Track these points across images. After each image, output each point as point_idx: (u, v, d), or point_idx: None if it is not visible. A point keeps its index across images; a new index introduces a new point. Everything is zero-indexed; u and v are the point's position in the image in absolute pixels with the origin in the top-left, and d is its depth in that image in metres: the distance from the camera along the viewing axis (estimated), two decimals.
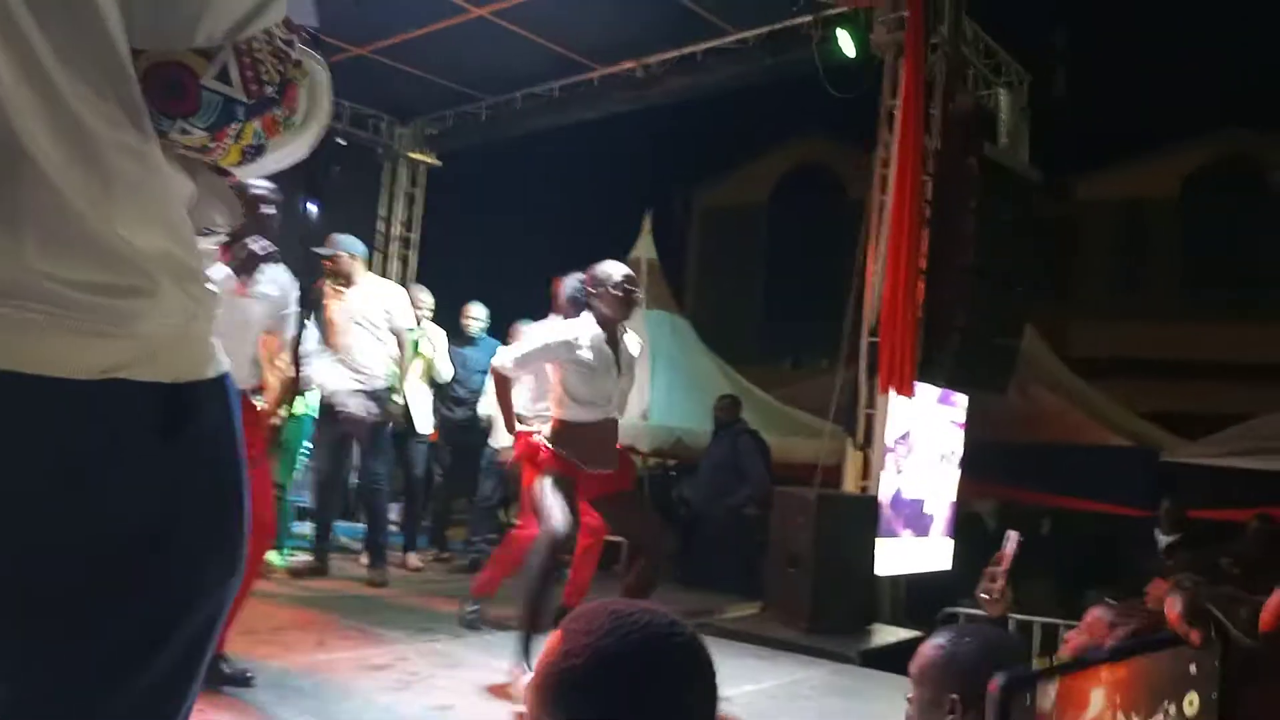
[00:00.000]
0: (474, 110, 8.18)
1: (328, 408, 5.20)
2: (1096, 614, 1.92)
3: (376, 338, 5.23)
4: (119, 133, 0.78)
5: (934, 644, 1.54)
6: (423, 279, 8.06)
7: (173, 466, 0.83)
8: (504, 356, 3.85)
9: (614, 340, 3.72)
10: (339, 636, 4.14)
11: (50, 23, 0.73)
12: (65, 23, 0.73)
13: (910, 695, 1.55)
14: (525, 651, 3.39)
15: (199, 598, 0.86)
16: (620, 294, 3.65)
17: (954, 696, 1.50)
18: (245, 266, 3.08)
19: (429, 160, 8.90)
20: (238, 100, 0.85)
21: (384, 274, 8.70)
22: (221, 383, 0.89)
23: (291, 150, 0.96)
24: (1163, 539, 7.23)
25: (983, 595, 2.09)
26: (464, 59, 7.20)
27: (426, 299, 6.23)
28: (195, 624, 0.86)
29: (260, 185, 3.03)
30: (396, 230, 8.92)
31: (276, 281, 3.28)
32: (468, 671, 3.75)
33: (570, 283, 4.03)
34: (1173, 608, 2.52)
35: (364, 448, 5.40)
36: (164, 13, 0.80)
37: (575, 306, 3.83)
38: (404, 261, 8.95)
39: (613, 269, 3.70)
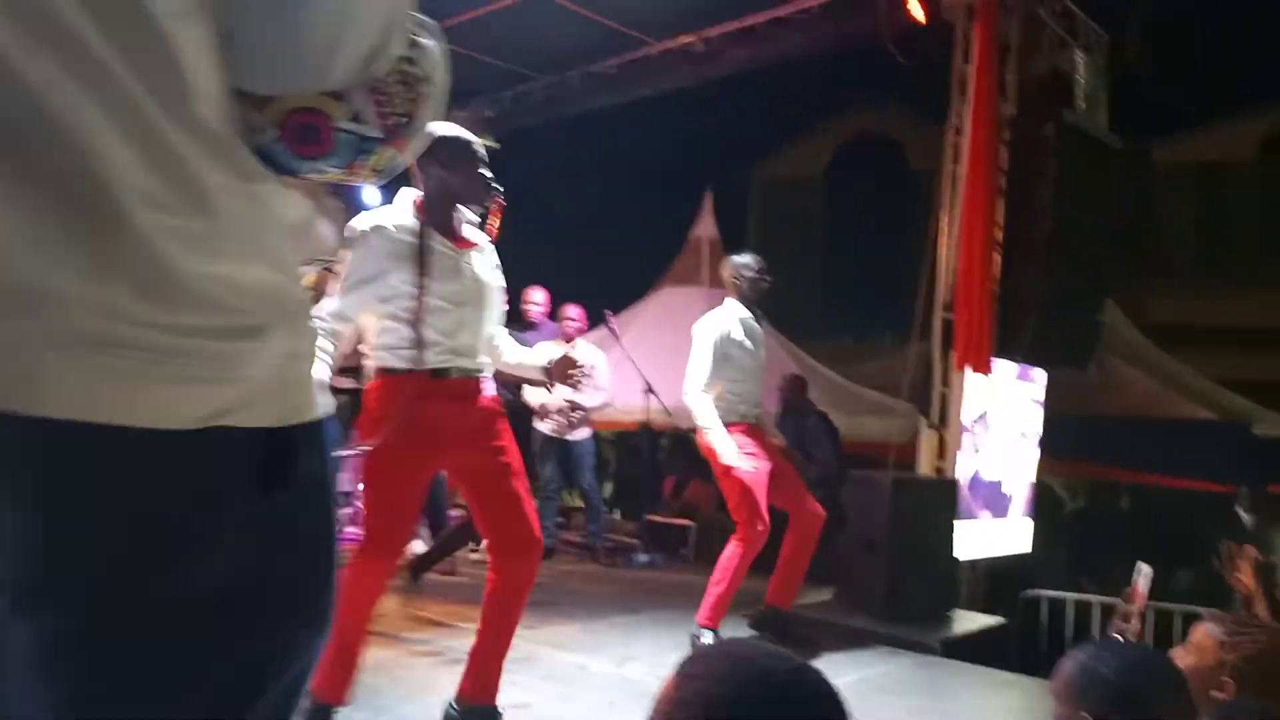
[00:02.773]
0: (530, 90, 8.08)
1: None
2: (1205, 631, 1.79)
3: None
4: (226, 174, 0.75)
5: (1093, 666, 1.45)
6: None
7: (269, 517, 0.78)
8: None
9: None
10: (414, 628, 4.13)
11: (148, 71, 0.70)
12: (161, 72, 0.71)
13: (1055, 713, 1.47)
14: None
15: (291, 653, 0.82)
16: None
17: (1085, 716, 1.41)
18: None
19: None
20: (371, 137, 0.85)
21: None
22: (319, 427, 0.85)
23: (419, 143, 0.94)
24: (1247, 519, 6.92)
25: (1115, 635, 1.97)
26: (520, 38, 7.09)
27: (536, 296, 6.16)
28: (287, 679, 0.83)
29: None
30: None
31: None
32: (541, 666, 3.71)
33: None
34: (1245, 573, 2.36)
35: None
36: (287, 59, 0.78)
37: None
38: None
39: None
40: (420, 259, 2.61)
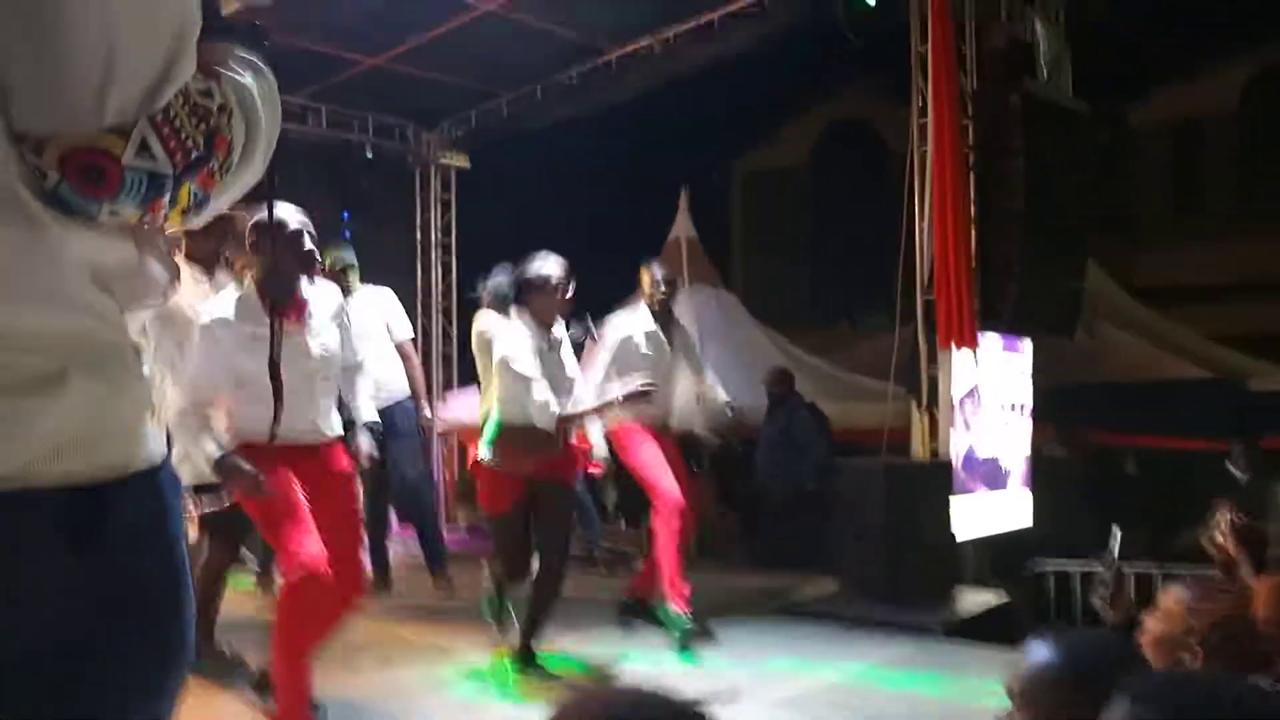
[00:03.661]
0: (494, 107, 8.07)
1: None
2: (1174, 598, 1.74)
3: (382, 348, 5.10)
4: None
5: (1042, 661, 1.35)
6: (464, 285, 7.97)
7: (87, 577, 0.75)
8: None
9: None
10: (405, 653, 4.10)
11: None
12: None
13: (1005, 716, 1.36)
14: None
15: (128, 709, 0.79)
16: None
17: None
18: None
19: (459, 164, 8.81)
20: (163, 174, 0.80)
21: (427, 284, 8.68)
22: (151, 476, 0.81)
23: (241, 183, 0.90)
24: (1241, 476, 6.81)
25: (1097, 601, 1.91)
26: (478, 57, 7.09)
27: None
28: None
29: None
30: (435, 237, 8.87)
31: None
32: (538, 683, 3.67)
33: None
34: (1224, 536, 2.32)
35: (397, 458, 5.15)
36: (55, 94, 0.73)
37: None
38: (446, 269, 8.89)
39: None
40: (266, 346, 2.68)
